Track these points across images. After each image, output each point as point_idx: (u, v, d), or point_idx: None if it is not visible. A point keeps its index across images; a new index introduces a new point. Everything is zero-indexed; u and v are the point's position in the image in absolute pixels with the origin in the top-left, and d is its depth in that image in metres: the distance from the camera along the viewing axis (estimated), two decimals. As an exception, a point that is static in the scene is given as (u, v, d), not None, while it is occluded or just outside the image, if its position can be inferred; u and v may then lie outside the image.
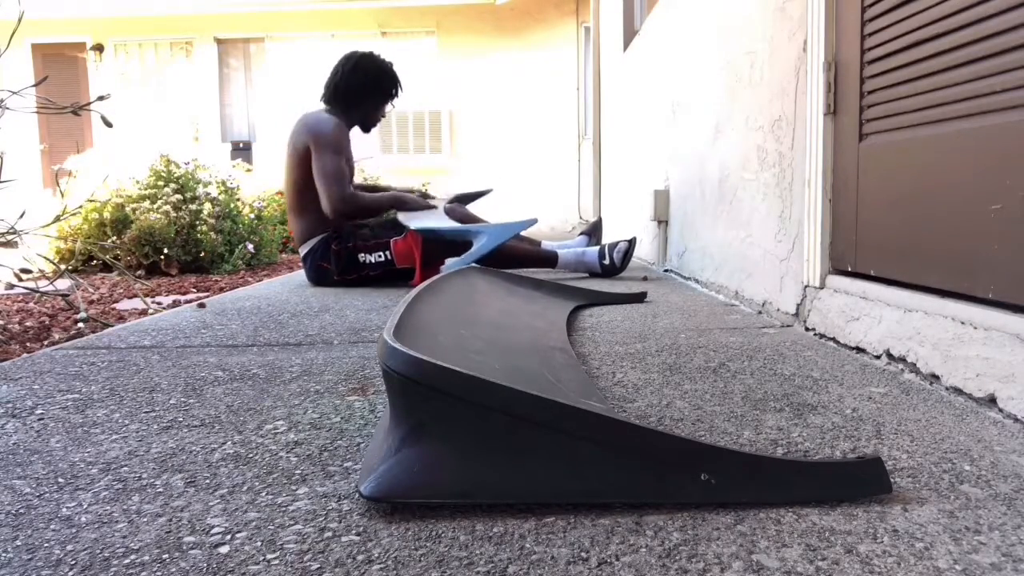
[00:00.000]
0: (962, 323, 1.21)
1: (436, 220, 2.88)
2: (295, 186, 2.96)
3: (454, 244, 2.80)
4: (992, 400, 1.10)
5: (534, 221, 2.82)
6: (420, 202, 3.08)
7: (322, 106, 3.08)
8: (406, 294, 1.34)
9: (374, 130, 3.24)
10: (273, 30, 10.02)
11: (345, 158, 2.96)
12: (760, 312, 2.10)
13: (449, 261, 2.64)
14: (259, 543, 0.71)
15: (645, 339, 1.72)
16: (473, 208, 3.58)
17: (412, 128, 9.79)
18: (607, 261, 3.06)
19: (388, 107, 3.15)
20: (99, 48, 10.12)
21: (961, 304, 1.23)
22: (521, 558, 0.67)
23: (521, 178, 9.58)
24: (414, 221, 2.86)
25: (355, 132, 3.09)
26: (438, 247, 2.83)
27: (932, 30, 1.32)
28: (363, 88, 3.01)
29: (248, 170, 6.68)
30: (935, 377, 1.25)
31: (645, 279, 3.03)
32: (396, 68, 3.13)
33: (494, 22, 9.73)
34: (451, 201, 3.23)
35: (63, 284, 3.29)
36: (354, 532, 0.73)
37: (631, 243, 3.08)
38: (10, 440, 1.02)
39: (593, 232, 3.47)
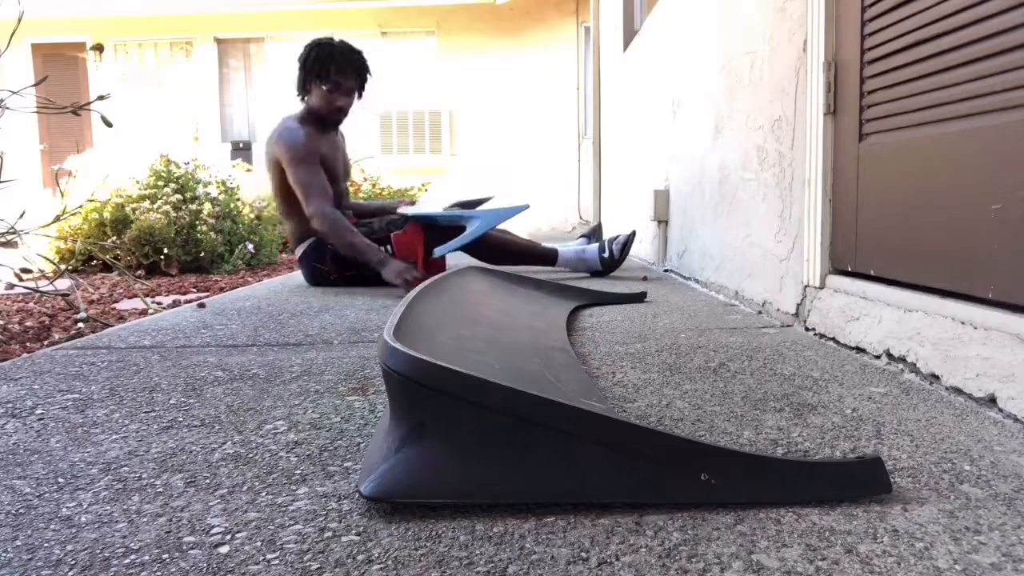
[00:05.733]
0: (962, 323, 1.21)
1: (433, 207, 2.88)
2: (278, 193, 2.94)
3: (450, 232, 2.78)
4: (992, 400, 1.10)
5: (526, 207, 2.79)
6: (392, 263, 2.66)
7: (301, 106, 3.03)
8: (406, 293, 1.34)
9: (373, 130, 3.20)
10: (273, 30, 10.01)
11: (319, 159, 2.82)
12: (760, 312, 2.10)
13: (440, 248, 2.58)
14: (259, 543, 0.71)
15: (645, 339, 1.72)
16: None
17: (412, 128, 9.78)
18: (606, 254, 3.08)
19: (339, 95, 2.85)
20: (99, 48, 10.11)
21: (961, 304, 1.23)
22: (521, 558, 0.67)
23: (521, 178, 9.58)
24: (410, 208, 2.87)
25: (356, 132, 3.07)
26: (438, 239, 2.82)
27: (932, 30, 1.32)
28: (302, 74, 2.88)
29: (248, 170, 6.68)
30: (935, 377, 1.25)
31: (645, 279, 3.03)
32: (346, 50, 2.82)
33: (494, 22, 9.73)
34: (449, 208, 3.23)
35: (63, 284, 3.29)
36: (354, 532, 0.73)
37: (630, 236, 3.10)
38: (10, 440, 1.02)
39: (593, 235, 3.49)
